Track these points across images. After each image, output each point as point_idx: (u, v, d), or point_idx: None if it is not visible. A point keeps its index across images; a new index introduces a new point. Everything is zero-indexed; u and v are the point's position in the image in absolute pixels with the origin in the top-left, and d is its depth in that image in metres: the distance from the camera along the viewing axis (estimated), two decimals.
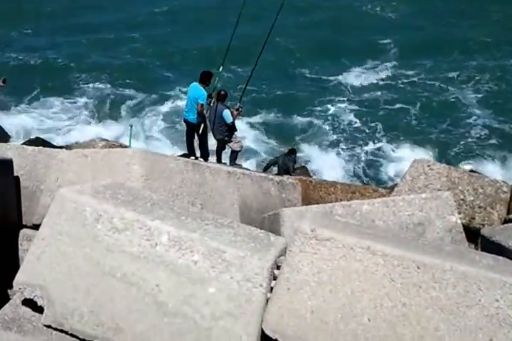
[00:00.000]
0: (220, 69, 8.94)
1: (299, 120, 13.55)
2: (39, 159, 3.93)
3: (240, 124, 12.63)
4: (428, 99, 14.38)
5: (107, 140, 9.51)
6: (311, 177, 9.47)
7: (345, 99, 14.29)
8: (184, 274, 2.40)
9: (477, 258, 2.62)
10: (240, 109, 8.97)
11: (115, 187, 2.81)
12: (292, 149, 10.75)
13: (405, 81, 15.15)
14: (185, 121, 8.91)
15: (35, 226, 3.59)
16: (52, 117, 13.94)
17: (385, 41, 16.86)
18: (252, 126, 13.43)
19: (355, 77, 15.32)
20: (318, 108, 13.99)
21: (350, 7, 18.69)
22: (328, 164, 12.14)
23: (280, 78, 15.14)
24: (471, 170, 6.65)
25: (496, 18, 17.97)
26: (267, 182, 4.76)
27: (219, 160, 9.71)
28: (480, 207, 4.60)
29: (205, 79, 8.48)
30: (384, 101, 14.30)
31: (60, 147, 7.80)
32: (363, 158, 12.40)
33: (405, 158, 11.45)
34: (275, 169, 10.47)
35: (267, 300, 2.38)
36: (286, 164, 10.02)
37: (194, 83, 8.65)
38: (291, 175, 9.23)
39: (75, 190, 2.63)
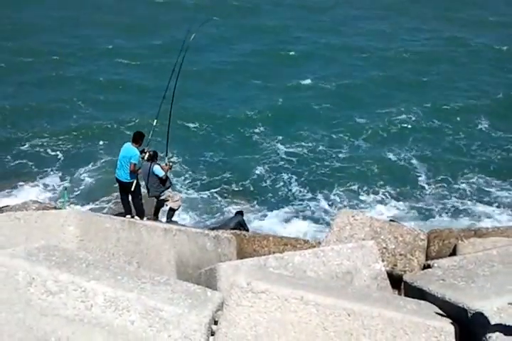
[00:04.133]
0: (155, 122, 9.14)
1: (240, 181, 13.58)
2: None
3: (181, 181, 12.64)
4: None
5: (39, 202, 9.13)
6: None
7: (279, 161, 14.41)
8: (121, 335, 2.38)
9: (402, 303, 2.80)
10: (170, 164, 9.24)
11: (49, 249, 2.78)
12: (240, 211, 10.87)
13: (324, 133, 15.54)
14: (118, 180, 8.92)
15: None
16: None
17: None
18: (192, 182, 13.40)
19: (285, 140, 15.57)
20: (256, 166, 14.12)
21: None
22: (267, 220, 12.24)
23: (217, 136, 15.32)
24: (391, 220, 7.05)
25: None
26: (203, 238, 4.82)
27: (156, 217, 9.64)
28: (401, 255, 4.90)
29: (137, 139, 8.64)
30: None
31: None
32: (300, 213, 12.56)
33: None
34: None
35: None
36: (235, 227, 10.04)
37: (127, 143, 8.78)
38: None
39: (7, 254, 2.59)
